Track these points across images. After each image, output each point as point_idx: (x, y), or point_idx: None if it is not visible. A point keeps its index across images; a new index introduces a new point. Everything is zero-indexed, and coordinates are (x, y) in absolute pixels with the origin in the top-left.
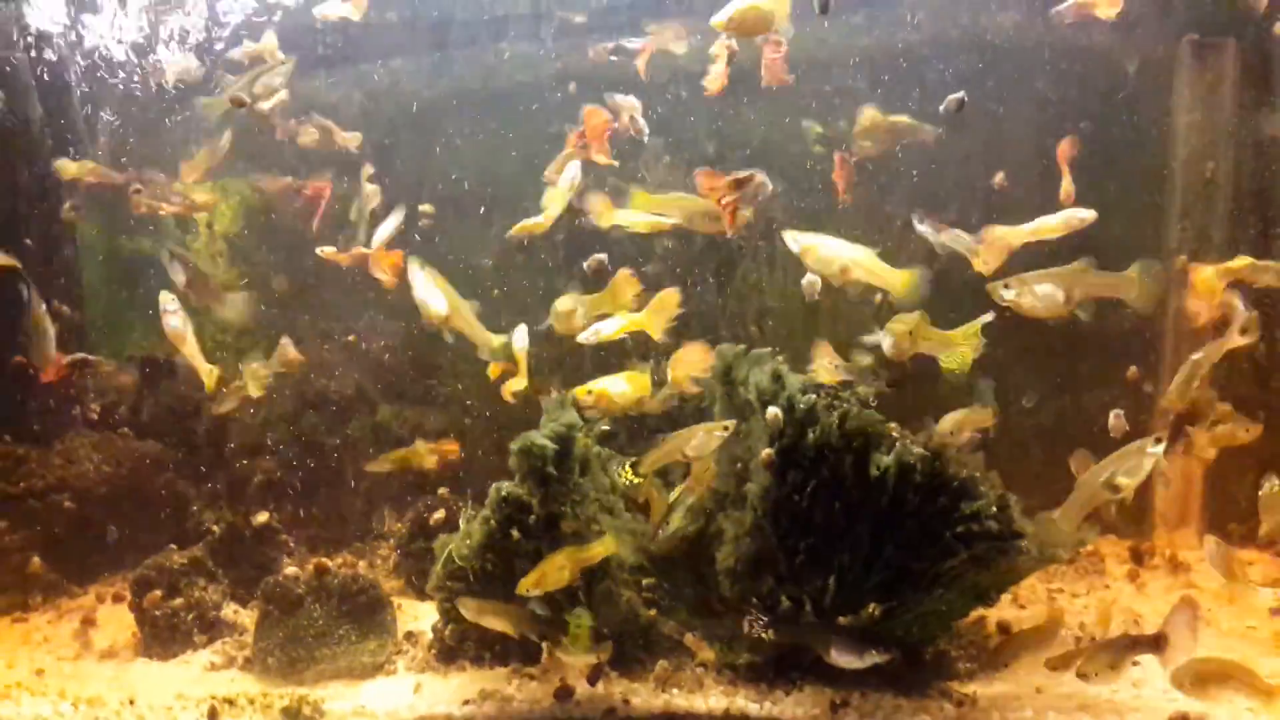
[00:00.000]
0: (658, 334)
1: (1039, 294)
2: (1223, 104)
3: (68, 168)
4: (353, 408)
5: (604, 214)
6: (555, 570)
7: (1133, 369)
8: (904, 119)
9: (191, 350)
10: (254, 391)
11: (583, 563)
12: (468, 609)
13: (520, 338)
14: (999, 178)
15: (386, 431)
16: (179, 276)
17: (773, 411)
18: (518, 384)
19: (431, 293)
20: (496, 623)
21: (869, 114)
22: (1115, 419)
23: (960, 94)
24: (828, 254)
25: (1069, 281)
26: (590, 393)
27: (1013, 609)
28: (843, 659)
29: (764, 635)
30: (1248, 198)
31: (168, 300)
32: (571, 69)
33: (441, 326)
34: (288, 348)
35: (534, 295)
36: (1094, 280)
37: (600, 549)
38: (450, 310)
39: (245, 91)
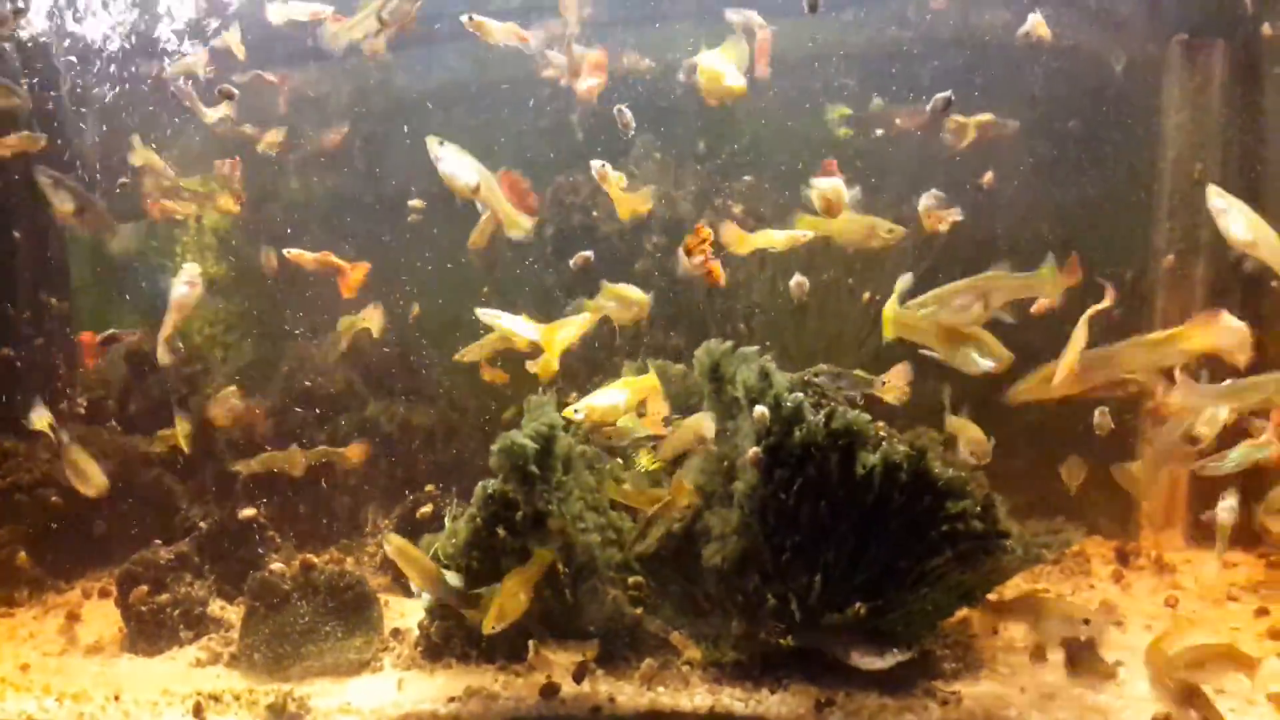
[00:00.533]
0: (550, 365)
1: (956, 308)
2: (1211, 105)
3: (139, 156)
4: (341, 403)
5: (740, 241)
6: (512, 599)
7: None
8: (987, 117)
9: (173, 319)
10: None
11: (531, 579)
12: (391, 543)
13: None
14: (988, 177)
15: (375, 427)
16: (66, 205)
17: (760, 410)
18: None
19: (460, 164)
20: (410, 569)
21: (956, 118)
22: (1100, 416)
23: (947, 93)
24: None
25: (984, 288)
26: (578, 411)
27: None
28: (864, 661)
29: (783, 642)
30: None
31: (192, 273)
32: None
33: (472, 197)
34: (229, 398)
35: (522, 290)
36: (1010, 284)
37: (539, 560)
38: (480, 181)
39: (383, 10)
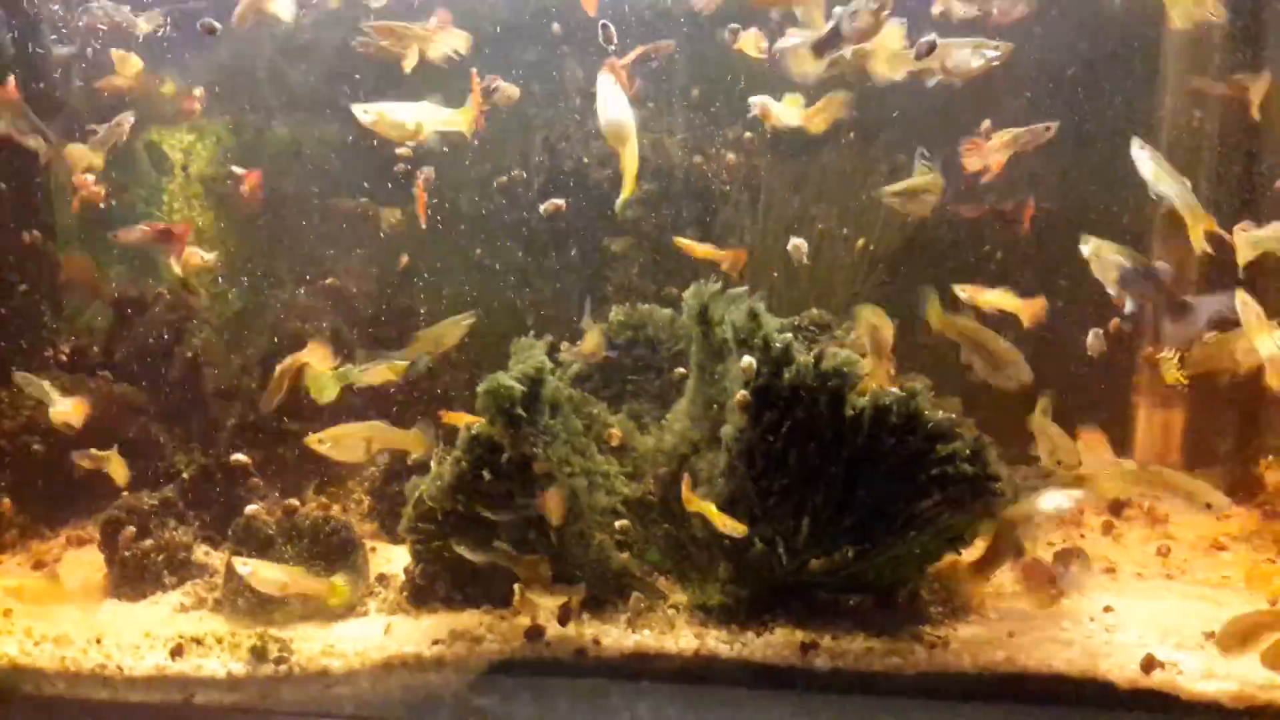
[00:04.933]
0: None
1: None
2: (1211, 52)
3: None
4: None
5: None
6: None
7: (1115, 320)
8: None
9: None
10: None
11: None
12: None
13: None
14: (985, 124)
15: None
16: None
17: (747, 360)
18: None
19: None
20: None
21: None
22: (1094, 338)
23: (932, 37)
24: None
25: None
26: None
27: None
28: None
29: None
30: (1232, 145)
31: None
32: (555, 6)
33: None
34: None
35: (514, 236)
36: None
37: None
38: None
39: None
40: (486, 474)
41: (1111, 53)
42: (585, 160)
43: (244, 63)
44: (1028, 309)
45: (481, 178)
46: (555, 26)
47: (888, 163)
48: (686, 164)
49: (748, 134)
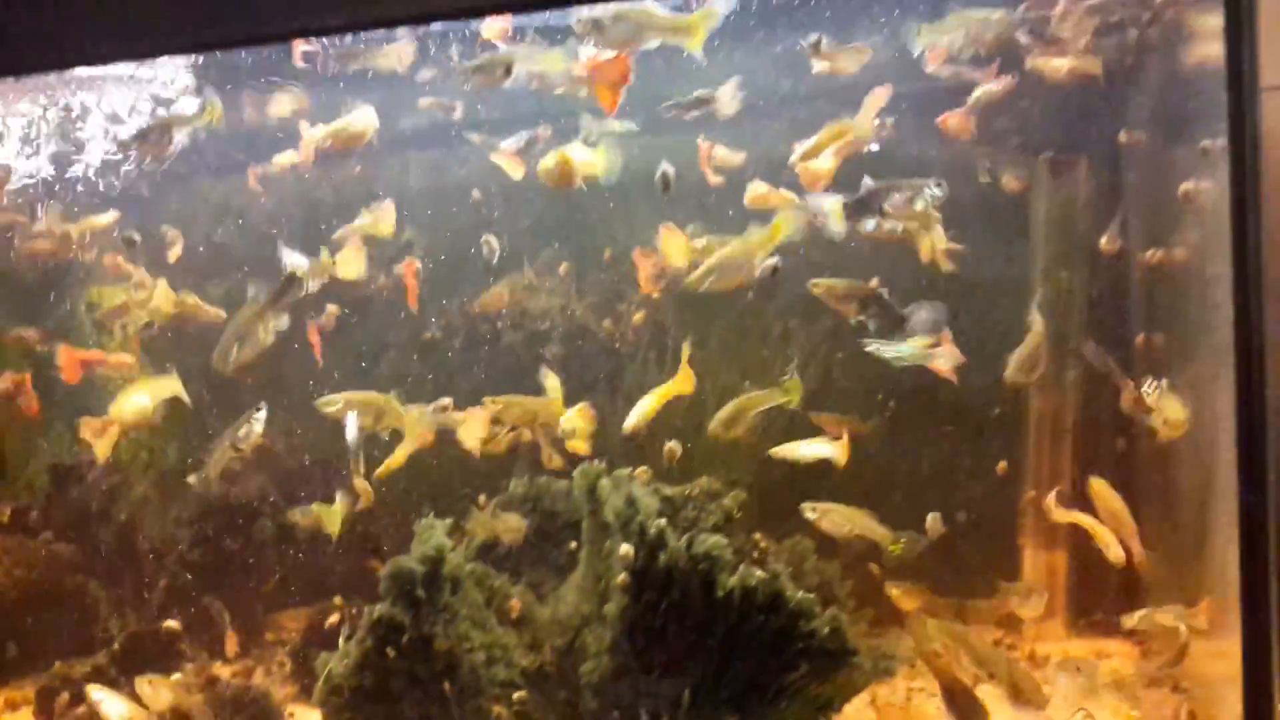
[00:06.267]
0: None
1: None
2: (1076, 218)
3: None
4: (257, 511)
5: None
6: None
7: (1002, 463)
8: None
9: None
10: None
11: None
12: None
13: None
14: (874, 282)
15: (290, 534)
16: None
17: (625, 548)
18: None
19: None
20: None
21: None
22: (932, 521)
23: (774, 260)
24: None
25: None
26: None
27: (870, 711)
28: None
29: None
30: (1101, 305)
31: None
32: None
33: None
34: None
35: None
36: None
37: None
38: None
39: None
40: (391, 651)
41: (987, 223)
42: (499, 325)
43: (180, 224)
44: None
45: (403, 339)
46: (475, 193)
47: (780, 325)
48: (594, 326)
49: (655, 294)
